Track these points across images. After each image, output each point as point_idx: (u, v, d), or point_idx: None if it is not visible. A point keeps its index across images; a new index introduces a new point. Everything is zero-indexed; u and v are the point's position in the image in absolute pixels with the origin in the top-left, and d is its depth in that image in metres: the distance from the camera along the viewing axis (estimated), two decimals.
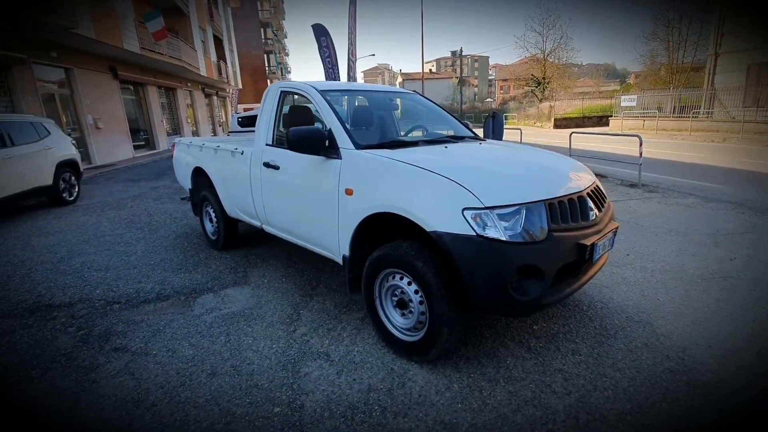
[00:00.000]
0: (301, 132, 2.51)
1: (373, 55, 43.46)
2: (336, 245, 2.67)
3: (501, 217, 1.91)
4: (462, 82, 43.76)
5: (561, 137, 9.87)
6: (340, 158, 2.56)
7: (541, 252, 1.92)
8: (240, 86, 29.44)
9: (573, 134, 9.53)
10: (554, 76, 33.19)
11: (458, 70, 41.06)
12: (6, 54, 9.04)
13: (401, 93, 3.75)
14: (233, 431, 1.87)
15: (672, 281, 3.30)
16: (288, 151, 2.86)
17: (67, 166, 7.41)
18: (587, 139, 14.54)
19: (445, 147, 2.78)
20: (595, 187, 2.47)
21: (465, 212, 1.91)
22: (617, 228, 2.46)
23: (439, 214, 1.99)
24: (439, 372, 2.25)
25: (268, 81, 38.93)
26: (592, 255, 2.12)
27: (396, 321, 2.39)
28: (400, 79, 67.44)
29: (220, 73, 23.11)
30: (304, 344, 2.58)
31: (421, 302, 2.18)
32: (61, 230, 5.59)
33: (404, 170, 2.22)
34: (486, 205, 1.90)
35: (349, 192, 2.45)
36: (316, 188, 2.70)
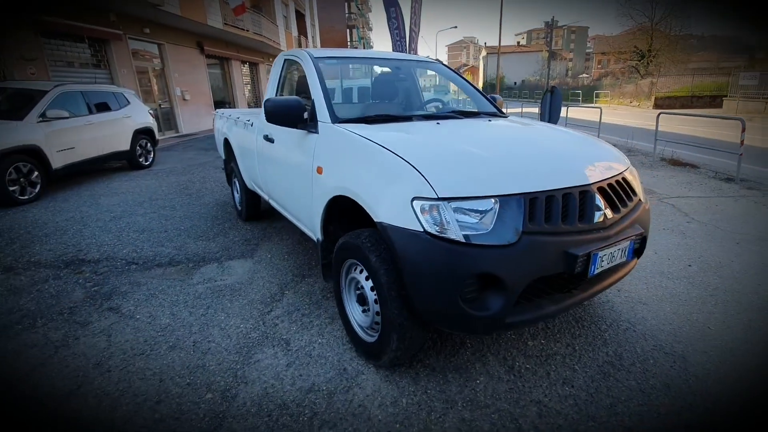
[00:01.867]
0: (277, 103, 2.31)
1: (455, 27, 41.07)
2: (313, 227, 2.48)
3: (459, 211, 1.54)
4: (552, 55, 39.86)
5: (653, 119, 8.40)
6: (317, 133, 2.32)
7: (507, 259, 1.52)
8: None
9: (662, 115, 8.06)
10: (663, 49, 28.58)
11: (551, 43, 37.36)
12: (105, 30, 10.11)
13: (421, 62, 3.33)
14: (159, 412, 1.82)
15: (736, 305, 2.57)
16: None
17: (144, 134, 8.14)
18: (685, 122, 12.35)
19: (437, 123, 2.38)
20: (616, 181, 1.92)
21: (414, 202, 1.57)
22: (643, 235, 1.90)
23: (387, 202, 1.68)
24: (393, 381, 1.98)
25: None
26: (587, 268, 1.64)
27: (357, 317, 2.15)
28: (484, 53, 63.66)
29: (300, 48, 23.79)
30: (271, 328, 2.47)
31: (376, 300, 1.91)
32: (126, 192, 6.17)
33: (362, 147, 1.92)
34: (440, 196, 1.54)
35: (319, 170, 2.22)
36: (297, 165, 2.51)
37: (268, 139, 2.97)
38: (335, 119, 2.30)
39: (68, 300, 2.93)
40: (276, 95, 3.05)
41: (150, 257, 3.66)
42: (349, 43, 41.26)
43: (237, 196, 4.65)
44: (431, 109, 3.02)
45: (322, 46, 31.98)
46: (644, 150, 8.67)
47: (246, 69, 19.41)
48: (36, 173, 5.69)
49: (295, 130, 2.49)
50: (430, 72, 3.36)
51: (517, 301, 1.65)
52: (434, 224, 1.54)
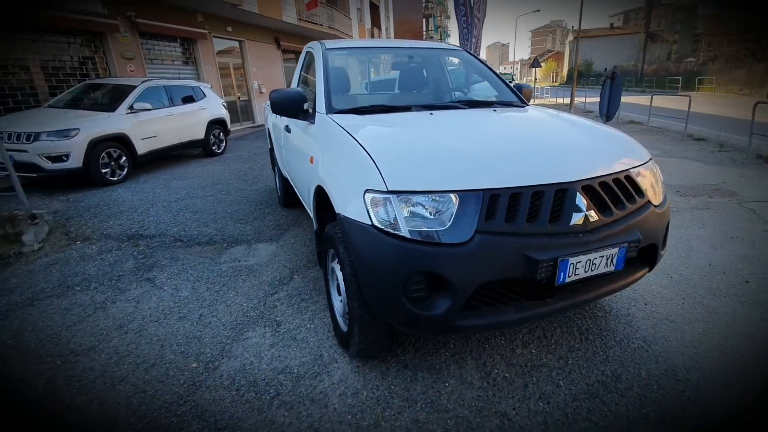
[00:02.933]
0: (280, 94, 2.39)
1: (538, 11, 38.14)
2: (313, 216, 2.55)
3: (410, 204, 1.48)
4: (651, 37, 35.34)
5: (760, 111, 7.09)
6: (314, 123, 2.37)
7: (455, 259, 1.43)
8: None
9: (760, 104, 6.79)
10: None
11: (648, 23, 33.11)
12: (193, 30, 11.19)
13: (442, 50, 3.18)
14: (149, 373, 2.04)
15: None
16: None
17: (217, 124, 8.93)
18: None
19: (431, 114, 2.28)
20: (615, 180, 1.69)
21: (366, 195, 1.54)
22: (636, 243, 1.65)
23: (346, 193, 1.67)
24: (362, 373, 1.98)
25: None
26: (553, 274, 1.48)
27: (336, 305, 2.18)
28: (570, 38, 58.58)
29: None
30: (269, 309, 2.60)
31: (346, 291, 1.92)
32: (195, 176, 6.85)
33: (338, 137, 1.92)
34: (389, 189, 1.49)
35: (311, 160, 2.27)
36: (300, 155, 2.59)
37: (287, 129, 3.10)
38: (330, 110, 2.32)
39: (120, 269, 3.37)
40: (297, 86, 3.16)
41: (194, 236, 4.04)
42: (424, 33, 40.73)
43: (277, 182, 4.92)
44: (435, 98, 2.87)
45: (398, 37, 32.02)
46: (739, 145, 7.41)
47: None
48: (124, 158, 6.55)
49: (300, 121, 2.56)
50: (454, 60, 3.21)
51: (472, 304, 1.55)
52: (382, 218, 1.50)
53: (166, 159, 8.23)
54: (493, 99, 2.76)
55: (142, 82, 7.23)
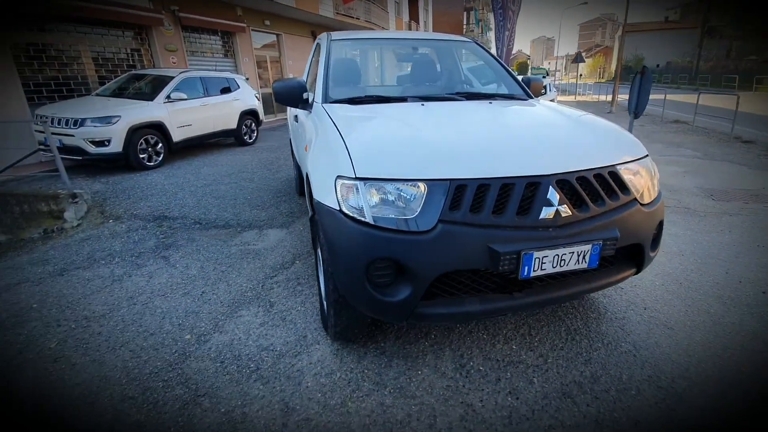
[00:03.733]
0: (282, 84, 2.48)
1: (585, 2, 36.23)
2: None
3: (377, 191, 1.51)
4: (710, 32, 32.76)
5: None
6: (311, 112, 2.43)
7: (416, 247, 1.45)
8: None
9: None
10: None
11: (705, 17, 30.66)
12: (232, 23, 11.60)
13: (450, 42, 3.14)
14: (147, 341, 2.20)
15: None
16: None
17: (249, 115, 9.24)
18: None
19: (422, 105, 2.28)
20: (597, 175, 1.63)
21: (337, 181, 1.59)
22: (613, 241, 1.59)
23: (322, 180, 1.72)
24: (340, 355, 2.04)
25: None
26: (517, 267, 1.46)
27: (322, 288, 2.24)
28: (620, 32, 55.42)
29: None
30: (267, 290, 2.72)
31: None
32: (224, 164, 7.15)
33: (324, 126, 1.97)
34: (358, 176, 1.53)
35: (306, 148, 2.34)
36: (301, 143, 2.67)
37: (296, 119, 3.19)
38: (327, 99, 2.38)
39: (142, 246, 3.62)
40: (307, 76, 3.23)
41: (212, 220, 4.25)
42: (465, 27, 39.93)
43: (294, 171, 5.06)
44: (434, 89, 2.85)
45: (436, 30, 31.63)
46: None
47: None
48: (160, 145, 6.95)
49: (302, 110, 2.63)
50: (465, 51, 3.16)
51: (435, 292, 1.56)
52: (351, 204, 1.54)
53: (200, 147, 8.63)
54: (497, 92, 2.72)
55: (180, 73, 7.61)
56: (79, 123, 6.03)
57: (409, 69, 2.99)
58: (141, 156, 6.61)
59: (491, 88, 2.86)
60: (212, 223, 4.13)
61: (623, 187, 1.69)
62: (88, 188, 5.58)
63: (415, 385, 1.82)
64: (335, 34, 2.89)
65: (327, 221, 1.61)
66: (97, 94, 7.39)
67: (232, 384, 1.86)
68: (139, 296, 2.70)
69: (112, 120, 6.21)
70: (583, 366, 1.92)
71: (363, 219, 1.51)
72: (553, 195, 1.53)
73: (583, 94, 24.69)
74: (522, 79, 2.84)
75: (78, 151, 6.12)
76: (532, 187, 1.53)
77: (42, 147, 6.02)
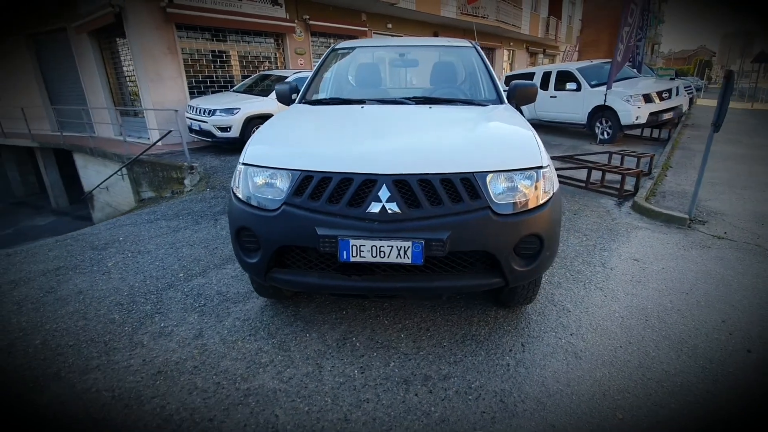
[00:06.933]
0: (281, 87, 3.00)
1: None
2: None
3: (252, 174, 1.90)
4: None
5: None
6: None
7: (263, 221, 1.81)
8: (574, 43, 27.17)
9: None
10: None
11: None
12: (356, 28, 12.80)
13: (447, 48, 3.20)
14: (156, 272, 3.01)
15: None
16: None
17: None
18: None
19: (362, 107, 2.51)
20: (444, 180, 1.70)
21: (238, 165, 2.03)
22: (439, 242, 1.63)
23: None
24: (267, 310, 2.49)
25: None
26: (335, 250, 1.68)
27: None
28: None
29: (547, 31, 22.26)
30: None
31: None
32: None
33: (268, 122, 2.40)
34: (243, 161, 1.95)
35: None
36: None
37: None
38: (302, 100, 2.82)
39: (210, 210, 4.65)
40: (312, 81, 3.65)
41: None
42: (624, 20, 34.88)
43: None
44: (397, 93, 2.96)
45: (583, 27, 28.62)
46: None
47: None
48: None
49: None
50: (449, 59, 3.19)
51: (285, 263, 1.89)
52: (235, 184, 1.97)
53: None
54: (462, 97, 2.76)
55: (294, 74, 8.91)
56: (210, 113, 7.70)
57: (389, 74, 3.18)
58: None
59: (464, 93, 2.88)
60: None
61: (474, 194, 1.71)
62: (208, 163, 7.12)
63: (295, 344, 2.17)
64: (341, 44, 3.30)
65: (230, 196, 2.08)
66: (234, 91, 9.19)
67: (181, 311, 2.49)
68: (178, 243, 3.60)
69: (233, 111, 7.73)
70: (447, 365, 1.98)
71: (239, 196, 1.93)
72: (385, 193, 1.69)
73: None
74: (511, 85, 2.79)
75: (209, 134, 7.81)
76: (370, 184, 1.71)
77: (190, 129, 7.99)
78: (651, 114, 7.77)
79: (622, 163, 5.85)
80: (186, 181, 6.60)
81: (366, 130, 2.13)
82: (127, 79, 9.70)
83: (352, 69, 3.20)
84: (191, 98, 9.21)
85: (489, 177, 1.75)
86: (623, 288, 2.69)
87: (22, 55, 11.24)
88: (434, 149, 1.86)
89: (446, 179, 1.72)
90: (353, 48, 3.30)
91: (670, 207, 4.23)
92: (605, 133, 8.32)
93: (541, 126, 10.60)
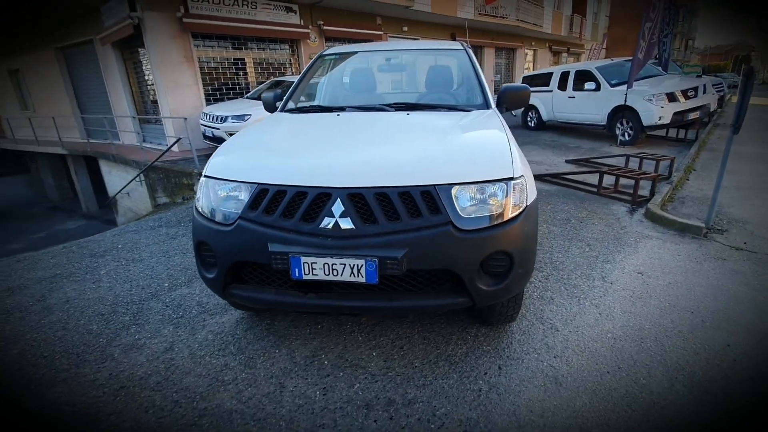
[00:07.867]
0: (266, 95, 2.97)
1: None
2: None
3: (211, 187, 1.86)
4: None
5: None
6: None
7: (220, 236, 1.75)
8: (601, 41, 26.24)
9: None
10: None
11: None
12: (371, 32, 12.77)
13: (437, 51, 3.07)
14: (145, 280, 3.02)
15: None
16: None
17: None
18: None
19: (337, 115, 2.43)
20: (403, 193, 1.60)
21: (200, 177, 1.99)
22: (393, 260, 1.52)
23: None
24: (241, 323, 2.44)
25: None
26: (288, 267, 1.60)
27: None
28: None
29: (571, 29, 21.56)
30: None
31: None
32: None
33: (240, 132, 2.36)
34: (206, 174, 1.91)
35: None
36: None
37: None
38: (283, 108, 2.77)
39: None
40: (295, 89, 3.59)
41: None
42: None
43: None
44: (377, 99, 2.88)
45: (610, 24, 27.66)
46: None
47: (501, 54, 19.53)
48: None
49: None
50: (442, 63, 3.05)
51: (243, 279, 1.82)
52: (198, 195, 1.93)
53: None
54: (447, 102, 2.64)
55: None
56: (222, 119, 7.83)
57: (372, 80, 3.07)
58: None
59: (448, 98, 2.75)
60: None
61: (435, 208, 1.60)
62: None
63: (262, 361, 2.10)
64: (328, 50, 3.24)
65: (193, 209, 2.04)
66: (248, 97, 9.33)
67: (158, 323, 2.48)
68: (171, 251, 3.63)
69: (244, 117, 7.82)
70: (415, 389, 1.86)
71: (198, 209, 1.88)
72: (339, 207, 1.60)
73: None
74: (502, 88, 2.65)
75: (221, 141, 7.94)
76: (325, 198, 1.63)
77: (204, 136, 8.19)
78: (675, 114, 7.33)
79: (640, 167, 5.53)
80: (196, 187, 6.73)
81: (332, 140, 2.06)
82: (148, 87, 10.03)
83: (337, 76, 3.14)
84: (207, 105, 9.41)
85: (454, 190, 1.63)
86: (621, 305, 2.50)
87: (53, 67, 11.83)
88: (395, 161, 1.76)
89: (405, 192, 1.62)
90: (340, 54, 3.22)
91: (687, 214, 3.94)
92: (626, 134, 7.93)
93: (560, 128, 10.24)
